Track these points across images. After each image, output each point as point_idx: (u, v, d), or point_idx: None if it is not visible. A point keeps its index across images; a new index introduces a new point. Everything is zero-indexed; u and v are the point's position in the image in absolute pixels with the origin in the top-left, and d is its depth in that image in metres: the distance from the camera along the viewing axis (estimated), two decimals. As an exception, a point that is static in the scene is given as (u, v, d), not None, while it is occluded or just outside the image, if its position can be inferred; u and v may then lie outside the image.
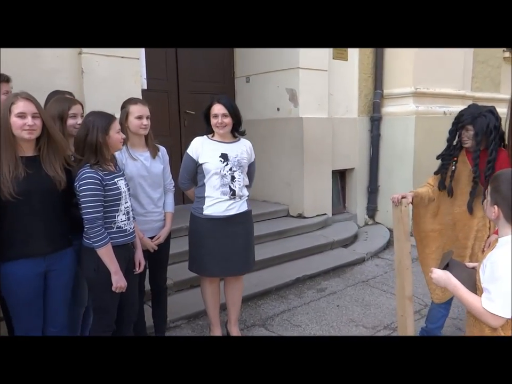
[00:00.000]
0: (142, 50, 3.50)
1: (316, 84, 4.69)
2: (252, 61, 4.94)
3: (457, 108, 5.44)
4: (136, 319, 2.30)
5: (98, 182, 1.94)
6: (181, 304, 3.16)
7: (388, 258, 4.45)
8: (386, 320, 3.16)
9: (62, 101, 2.21)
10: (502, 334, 1.47)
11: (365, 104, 5.28)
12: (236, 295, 2.81)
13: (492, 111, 2.25)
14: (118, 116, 2.24)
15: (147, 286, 2.59)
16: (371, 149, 5.32)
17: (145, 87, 3.57)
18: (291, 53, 4.53)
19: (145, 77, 3.52)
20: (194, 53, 4.73)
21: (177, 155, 4.17)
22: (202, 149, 2.57)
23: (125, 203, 2.08)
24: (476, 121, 2.22)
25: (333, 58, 4.90)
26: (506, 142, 2.28)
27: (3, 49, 2.43)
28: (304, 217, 4.74)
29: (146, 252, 2.37)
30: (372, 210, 5.41)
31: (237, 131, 2.66)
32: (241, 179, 2.60)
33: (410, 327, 2.47)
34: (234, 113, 2.57)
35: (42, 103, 2.11)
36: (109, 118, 2.00)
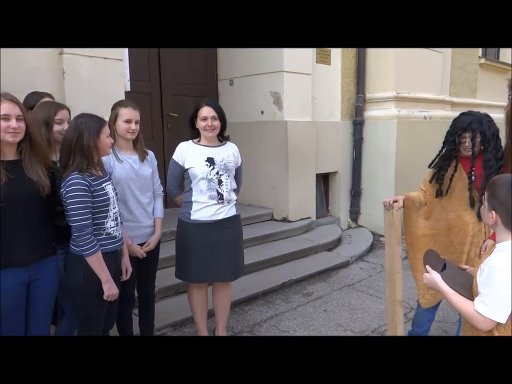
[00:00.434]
0: (126, 51, 3.42)
1: (299, 87, 4.69)
2: (235, 63, 4.91)
3: (437, 112, 5.61)
4: (112, 327, 2.26)
5: (86, 188, 1.86)
6: (166, 311, 3.09)
7: (372, 262, 4.47)
8: (374, 324, 3.16)
9: (48, 106, 2.12)
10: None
11: (347, 108, 5.31)
12: (224, 302, 2.76)
13: (489, 116, 2.29)
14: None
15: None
16: (354, 152, 5.36)
17: (129, 89, 3.48)
18: (275, 56, 4.52)
19: (128, 78, 3.43)
20: (177, 54, 4.67)
21: (160, 158, 4.06)
22: (187, 154, 2.53)
23: (113, 208, 2.01)
24: (484, 127, 2.22)
25: (316, 62, 4.92)
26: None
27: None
28: (289, 221, 4.73)
29: (135, 259, 2.31)
30: (354, 213, 5.45)
31: (222, 135, 2.63)
32: (228, 183, 2.56)
33: (400, 331, 2.47)
34: (222, 116, 2.56)
35: (20, 104, 2.01)
36: (101, 121, 1.93)
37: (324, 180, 5.40)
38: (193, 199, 2.52)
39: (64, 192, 1.86)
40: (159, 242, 2.52)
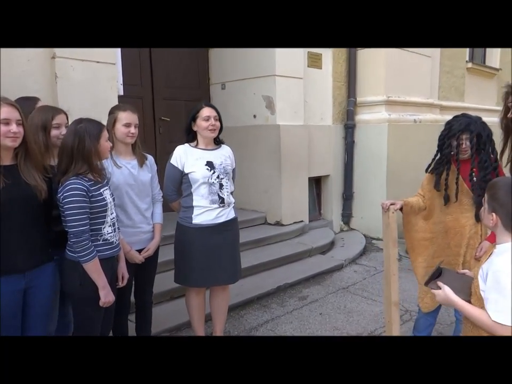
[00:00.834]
0: (119, 55, 3.40)
1: (291, 91, 4.71)
2: (227, 67, 4.91)
3: (426, 116, 5.67)
4: (108, 333, 2.22)
5: (84, 193, 1.83)
6: (162, 316, 3.05)
7: (365, 264, 4.49)
8: (370, 327, 3.17)
9: (45, 110, 2.09)
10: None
11: (339, 111, 5.35)
12: (222, 305, 2.74)
13: (481, 118, 2.31)
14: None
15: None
16: (346, 156, 5.39)
17: (122, 93, 3.45)
18: (267, 60, 4.53)
19: (121, 82, 3.40)
20: (169, 58, 4.66)
21: (153, 162, 4.06)
22: (186, 158, 2.50)
23: (111, 214, 1.99)
24: (480, 128, 2.24)
25: (308, 66, 4.94)
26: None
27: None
28: (282, 225, 4.73)
29: (133, 265, 2.28)
30: (347, 216, 5.47)
31: (217, 138, 2.63)
32: (228, 186, 2.56)
33: (396, 333, 2.47)
34: (221, 118, 2.58)
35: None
36: (100, 126, 1.91)
37: (316, 184, 5.42)
38: (194, 203, 2.50)
39: (61, 196, 1.83)
40: (158, 248, 2.50)
